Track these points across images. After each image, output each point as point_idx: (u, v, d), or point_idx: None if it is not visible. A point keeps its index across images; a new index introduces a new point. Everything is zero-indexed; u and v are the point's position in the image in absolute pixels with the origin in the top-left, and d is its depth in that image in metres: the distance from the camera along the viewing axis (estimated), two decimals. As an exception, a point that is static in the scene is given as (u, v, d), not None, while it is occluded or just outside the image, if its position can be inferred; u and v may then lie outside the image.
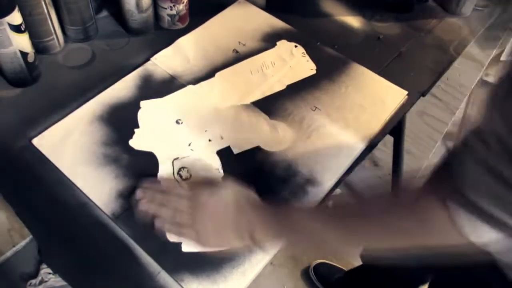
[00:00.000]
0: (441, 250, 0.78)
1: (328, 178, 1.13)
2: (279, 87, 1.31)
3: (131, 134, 1.16)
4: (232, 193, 0.98)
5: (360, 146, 1.20)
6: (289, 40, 1.44)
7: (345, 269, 2.25)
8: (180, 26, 1.45)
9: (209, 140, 1.17)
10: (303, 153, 1.17)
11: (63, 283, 2.02)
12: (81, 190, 1.06)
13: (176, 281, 0.95)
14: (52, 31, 1.29)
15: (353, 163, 1.19)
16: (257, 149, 1.17)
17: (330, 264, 2.30)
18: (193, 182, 1.07)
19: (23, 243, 2.11)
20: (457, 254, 0.83)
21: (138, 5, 1.33)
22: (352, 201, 0.94)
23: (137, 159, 1.12)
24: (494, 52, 2.02)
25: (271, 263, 2.29)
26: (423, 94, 1.36)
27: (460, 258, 0.87)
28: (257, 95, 1.28)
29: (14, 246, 2.09)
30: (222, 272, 0.96)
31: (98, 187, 1.06)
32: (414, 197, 0.79)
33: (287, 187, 1.11)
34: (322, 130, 1.22)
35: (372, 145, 1.22)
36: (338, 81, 1.34)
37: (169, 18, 1.41)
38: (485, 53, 1.99)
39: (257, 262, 0.98)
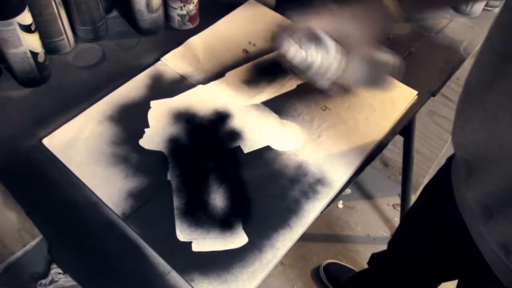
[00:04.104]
0: None
1: (338, 177, 1.13)
2: (289, 87, 1.30)
3: (141, 134, 1.16)
4: None
5: (370, 146, 1.20)
6: (299, 39, 1.43)
7: (355, 269, 2.25)
8: (190, 26, 1.45)
9: (219, 140, 1.18)
10: (313, 152, 1.17)
11: (73, 283, 2.03)
12: (91, 190, 1.06)
13: (187, 281, 0.95)
14: (62, 31, 1.29)
15: (363, 163, 1.18)
16: (267, 148, 1.17)
17: (340, 264, 2.30)
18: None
19: (33, 243, 2.12)
20: None
21: (148, 5, 1.33)
22: None
23: (147, 159, 1.12)
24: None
25: (281, 263, 2.30)
26: (433, 94, 1.35)
27: None
28: (267, 95, 1.28)
29: (24, 246, 2.10)
30: (232, 272, 0.96)
31: (108, 187, 1.07)
32: None
33: (297, 187, 1.10)
34: (332, 130, 1.22)
35: (382, 145, 1.22)
36: (348, 81, 1.34)
37: (179, 18, 1.41)
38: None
39: (267, 262, 0.98)
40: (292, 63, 1.03)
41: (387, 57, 1.03)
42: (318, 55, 1.00)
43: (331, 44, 0.98)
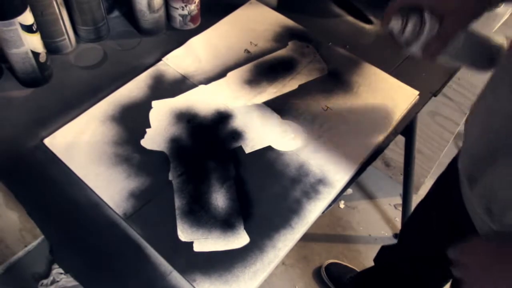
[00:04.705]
0: None
1: (339, 177, 1.13)
2: (291, 87, 1.30)
3: (142, 134, 1.16)
4: None
5: (371, 146, 1.20)
6: (301, 40, 1.44)
7: (357, 269, 2.24)
8: (191, 26, 1.45)
9: (221, 140, 1.18)
10: (314, 152, 1.17)
11: (75, 283, 2.03)
12: (92, 190, 1.06)
13: (188, 281, 0.95)
14: (64, 31, 1.29)
15: (365, 163, 1.18)
16: (269, 148, 1.17)
17: (342, 264, 2.29)
18: None
19: (34, 243, 2.12)
20: None
21: (149, 5, 1.33)
22: None
23: (149, 159, 1.12)
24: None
25: (283, 263, 2.29)
26: (435, 94, 1.35)
27: None
28: (269, 95, 1.28)
29: (26, 246, 2.10)
30: (234, 272, 0.96)
31: (109, 187, 1.07)
32: None
33: (299, 187, 1.10)
34: (333, 130, 1.22)
35: (383, 145, 1.22)
36: (349, 81, 1.34)
37: (181, 18, 1.41)
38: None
39: (269, 262, 0.98)
40: (397, 37, 1.05)
41: (499, 39, 1.04)
42: (417, 27, 1.00)
43: (428, 17, 1.00)
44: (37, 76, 1.23)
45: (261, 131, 1.20)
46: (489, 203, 0.97)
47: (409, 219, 1.70)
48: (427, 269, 1.51)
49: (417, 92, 1.32)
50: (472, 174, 1.02)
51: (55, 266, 2.06)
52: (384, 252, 1.84)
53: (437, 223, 1.37)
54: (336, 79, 1.34)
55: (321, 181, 1.12)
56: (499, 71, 0.94)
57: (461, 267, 0.95)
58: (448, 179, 1.27)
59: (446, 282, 1.55)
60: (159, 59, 1.34)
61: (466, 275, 0.93)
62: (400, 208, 2.53)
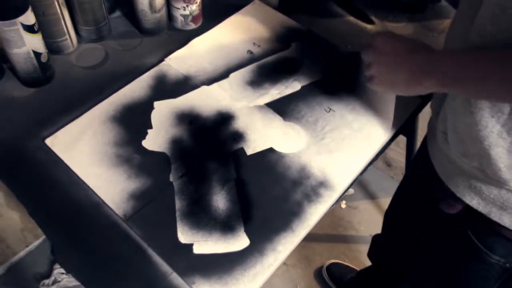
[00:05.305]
0: None
1: (341, 180, 1.13)
2: (293, 88, 1.30)
3: (144, 135, 1.16)
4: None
5: (373, 149, 1.19)
6: (303, 40, 1.43)
7: (358, 269, 2.24)
8: (193, 26, 1.45)
9: (222, 141, 1.18)
10: (316, 155, 1.16)
11: (76, 283, 2.02)
12: (93, 191, 1.06)
13: (187, 283, 0.94)
14: (65, 31, 1.29)
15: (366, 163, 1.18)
16: (270, 150, 1.17)
17: (343, 264, 2.29)
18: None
19: (36, 243, 2.12)
20: None
21: (151, 5, 1.33)
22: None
23: (150, 160, 1.12)
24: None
25: (284, 263, 2.29)
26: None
27: None
28: (271, 97, 1.28)
29: (27, 246, 2.10)
30: (233, 275, 0.96)
31: (110, 187, 1.06)
32: None
33: (300, 190, 1.10)
34: (336, 131, 1.21)
35: (385, 145, 1.22)
36: (352, 82, 1.33)
37: (182, 18, 1.41)
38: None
39: (268, 265, 0.98)
40: None
41: None
42: None
43: None
44: (39, 76, 1.23)
45: (263, 133, 1.20)
46: (445, 127, 1.02)
47: (389, 207, 1.69)
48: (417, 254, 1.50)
49: (419, 94, 1.32)
50: (435, 108, 1.09)
51: (57, 266, 2.07)
52: (374, 246, 1.84)
53: (415, 202, 1.36)
54: (339, 80, 1.34)
55: (323, 184, 1.12)
56: None
57: (375, 52, 1.04)
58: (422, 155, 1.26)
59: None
60: (160, 59, 1.34)
61: (379, 59, 1.04)
62: (402, 209, 2.52)
